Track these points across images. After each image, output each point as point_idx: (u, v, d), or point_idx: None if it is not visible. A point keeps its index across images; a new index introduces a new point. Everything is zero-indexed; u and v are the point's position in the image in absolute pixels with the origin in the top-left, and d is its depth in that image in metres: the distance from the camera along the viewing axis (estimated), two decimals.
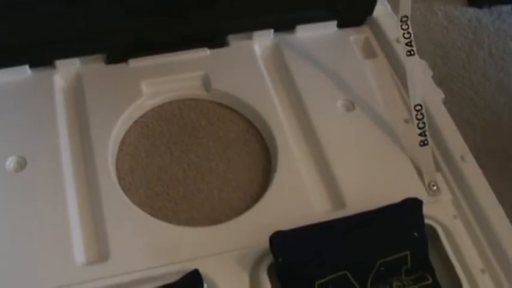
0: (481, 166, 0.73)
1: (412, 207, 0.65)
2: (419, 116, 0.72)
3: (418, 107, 0.72)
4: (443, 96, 0.78)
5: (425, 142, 0.72)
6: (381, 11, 0.86)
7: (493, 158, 0.90)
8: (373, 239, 0.63)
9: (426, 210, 0.68)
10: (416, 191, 0.71)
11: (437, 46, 0.97)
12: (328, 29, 0.85)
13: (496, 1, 1.02)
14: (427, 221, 0.67)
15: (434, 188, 0.71)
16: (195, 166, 0.72)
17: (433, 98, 0.77)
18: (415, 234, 0.64)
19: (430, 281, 0.64)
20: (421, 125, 0.72)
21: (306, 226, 0.63)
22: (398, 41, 0.78)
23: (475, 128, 0.93)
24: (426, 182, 0.72)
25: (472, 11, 1.00)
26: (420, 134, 0.72)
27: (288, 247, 0.61)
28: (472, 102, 0.94)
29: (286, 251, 0.61)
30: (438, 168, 0.74)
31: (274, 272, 0.63)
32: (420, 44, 0.85)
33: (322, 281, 0.61)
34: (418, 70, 0.74)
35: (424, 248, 0.65)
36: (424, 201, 0.69)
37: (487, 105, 0.92)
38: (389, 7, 0.83)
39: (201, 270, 0.61)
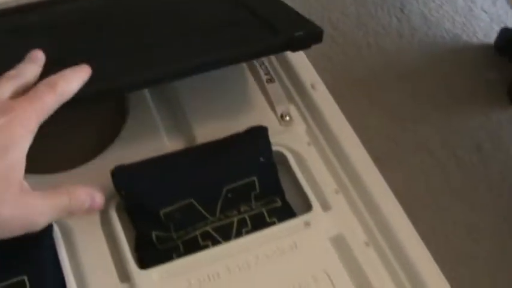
0: (339, 95, 0.75)
1: (256, 134, 0.66)
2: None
3: None
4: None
5: (272, 80, 0.74)
6: None
7: (351, 87, 0.92)
8: (218, 167, 0.64)
9: (278, 139, 0.70)
10: (270, 123, 0.72)
11: None
12: None
13: None
14: (278, 148, 0.69)
15: (287, 118, 0.73)
16: None
17: None
18: (261, 159, 0.65)
19: (279, 204, 0.65)
20: (263, 67, 0.74)
21: (148, 159, 0.63)
22: None
23: (333, 63, 0.95)
24: (278, 114, 0.73)
25: None
26: (265, 74, 0.74)
27: (130, 179, 0.61)
28: (332, 39, 0.95)
29: (128, 184, 0.61)
30: (291, 99, 0.75)
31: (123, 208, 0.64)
32: None
33: (167, 210, 0.61)
34: None
35: (272, 173, 0.66)
36: (277, 132, 0.71)
37: (346, 41, 0.94)
38: None
39: None
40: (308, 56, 0.76)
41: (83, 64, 0.58)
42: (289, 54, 0.77)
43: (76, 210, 0.55)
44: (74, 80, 0.56)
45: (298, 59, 0.77)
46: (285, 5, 0.73)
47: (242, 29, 0.69)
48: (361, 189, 0.68)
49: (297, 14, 0.70)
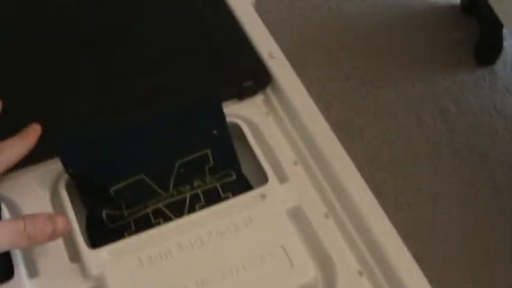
0: (298, 62, 0.73)
1: (209, 106, 0.64)
2: None
3: None
4: (253, 1, 0.77)
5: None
6: None
7: (313, 51, 0.90)
8: (169, 141, 0.62)
9: (235, 110, 0.68)
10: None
11: None
12: None
13: None
14: (234, 120, 0.67)
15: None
16: None
17: (241, 3, 0.76)
18: (215, 132, 0.63)
19: (234, 177, 0.63)
20: None
21: (96, 134, 0.61)
22: None
23: (292, 27, 0.93)
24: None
25: None
26: None
27: (77, 156, 0.59)
28: (291, 3, 0.93)
29: (75, 161, 0.59)
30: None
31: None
32: None
33: (117, 187, 0.59)
34: None
35: (227, 145, 0.64)
36: (234, 102, 0.69)
37: (306, 5, 0.92)
38: None
39: None
40: (267, 23, 0.74)
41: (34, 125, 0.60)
42: (247, 24, 0.74)
43: (37, 236, 0.53)
44: (20, 149, 0.59)
45: (256, 26, 0.74)
46: (245, 44, 0.71)
47: (196, 72, 0.70)
48: (321, 160, 0.66)
49: (252, 55, 0.71)
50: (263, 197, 0.62)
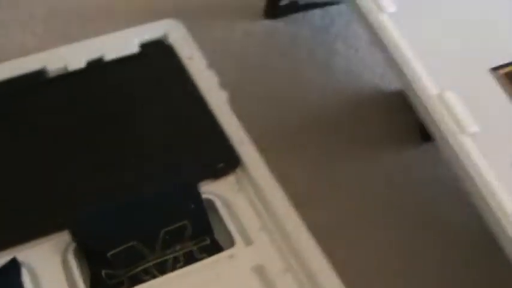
0: (266, 147, 0.89)
1: (187, 188, 0.81)
2: None
3: None
4: (227, 96, 0.94)
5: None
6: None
7: (277, 139, 1.05)
8: (156, 214, 0.79)
9: (211, 188, 0.85)
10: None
11: (235, 57, 1.13)
12: None
13: (288, 11, 1.20)
14: (209, 196, 0.83)
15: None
16: None
17: (216, 98, 0.94)
18: (193, 206, 0.80)
19: (208, 242, 0.79)
20: None
21: (97, 211, 0.78)
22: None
23: (266, 118, 1.07)
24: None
25: (268, 23, 1.17)
26: None
27: (82, 228, 0.76)
28: (266, 98, 1.08)
29: (81, 232, 0.76)
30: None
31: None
32: (219, 58, 1.01)
33: (114, 251, 0.76)
34: None
35: (203, 217, 0.80)
36: (211, 181, 0.85)
37: (279, 100, 1.07)
38: None
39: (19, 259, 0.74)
40: (239, 115, 0.90)
41: None
42: (221, 117, 0.91)
43: None
44: None
45: (229, 118, 0.91)
46: (219, 133, 0.88)
47: (178, 158, 0.86)
48: (280, 227, 0.81)
49: (225, 142, 0.87)
50: (231, 257, 0.77)
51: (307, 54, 1.05)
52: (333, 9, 1.20)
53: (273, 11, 1.14)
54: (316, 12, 1.19)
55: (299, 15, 1.13)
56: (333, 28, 1.17)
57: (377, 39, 0.88)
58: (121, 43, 0.96)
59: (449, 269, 0.99)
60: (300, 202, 0.85)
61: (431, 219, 1.02)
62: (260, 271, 0.77)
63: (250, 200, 0.85)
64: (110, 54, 0.95)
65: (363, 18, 0.90)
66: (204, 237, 0.79)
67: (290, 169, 0.92)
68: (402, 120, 1.09)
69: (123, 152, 0.87)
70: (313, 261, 0.78)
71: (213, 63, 0.93)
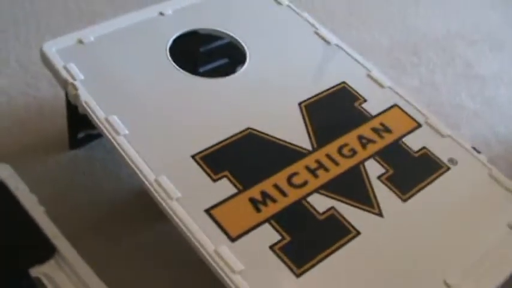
0: (78, 236, 1.31)
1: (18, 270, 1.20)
2: None
3: None
4: (43, 209, 1.35)
5: None
6: None
7: (88, 227, 1.48)
8: None
9: (39, 269, 1.24)
10: None
11: (50, 181, 1.56)
12: None
13: (85, 141, 1.64)
14: (37, 275, 1.22)
15: None
16: None
17: (37, 211, 1.35)
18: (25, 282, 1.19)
19: None
20: None
21: None
22: None
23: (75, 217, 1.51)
24: None
25: (72, 152, 1.62)
26: None
27: None
28: (76, 205, 1.52)
29: None
30: None
31: None
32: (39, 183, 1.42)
33: None
34: None
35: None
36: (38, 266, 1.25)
37: (83, 204, 1.52)
38: None
39: None
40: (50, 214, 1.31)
41: None
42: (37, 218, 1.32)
43: None
44: None
45: (42, 219, 1.32)
46: (37, 230, 1.16)
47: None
48: None
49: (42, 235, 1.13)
50: None
51: (102, 170, 1.50)
52: None
53: (74, 142, 1.56)
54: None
55: (94, 143, 1.57)
56: None
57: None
58: None
59: None
60: None
61: None
62: None
63: (67, 275, 1.24)
64: None
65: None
66: None
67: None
68: None
69: None
70: None
71: (36, 189, 1.29)
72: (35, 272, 1.16)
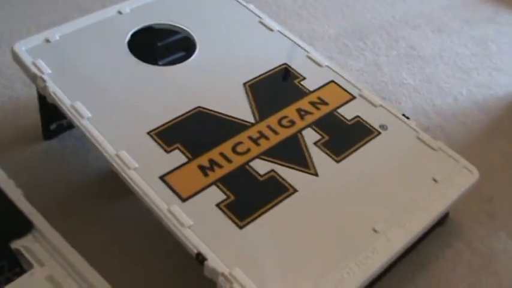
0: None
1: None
2: None
3: None
4: (21, 192, 1.51)
5: None
6: None
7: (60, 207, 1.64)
8: None
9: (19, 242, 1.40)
10: None
11: (27, 168, 1.72)
12: None
13: (58, 132, 1.73)
14: (17, 247, 1.38)
15: None
16: None
17: (14, 193, 1.51)
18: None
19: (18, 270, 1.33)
20: None
21: None
22: None
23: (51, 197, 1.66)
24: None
25: (46, 143, 1.78)
26: None
27: None
28: (52, 190, 1.67)
29: None
30: None
31: None
32: (18, 171, 1.57)
33: None
34: None
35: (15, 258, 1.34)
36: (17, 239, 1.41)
37: (62, 187, 1.68)
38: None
39: None
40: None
41: None
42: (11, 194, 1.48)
43: None
44: None
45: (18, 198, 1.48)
46: (14, 209, 1.24)
47: None
48: (65, 258, 1.37)
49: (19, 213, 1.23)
50: (32, 274, 1.31)
51: (72, 156, 1.67)
52: None
53: (47, 133, 1.69)
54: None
55: (65, 134, 1.72)
56: None
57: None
58: None
59: None
60: None
61: None
62: (51, 280, 1.26)
63: (43, 246, 1.37)
64: None
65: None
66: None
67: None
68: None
69: None
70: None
71: (14, 176, 1.40)
72: (15, 244, 1.21)
